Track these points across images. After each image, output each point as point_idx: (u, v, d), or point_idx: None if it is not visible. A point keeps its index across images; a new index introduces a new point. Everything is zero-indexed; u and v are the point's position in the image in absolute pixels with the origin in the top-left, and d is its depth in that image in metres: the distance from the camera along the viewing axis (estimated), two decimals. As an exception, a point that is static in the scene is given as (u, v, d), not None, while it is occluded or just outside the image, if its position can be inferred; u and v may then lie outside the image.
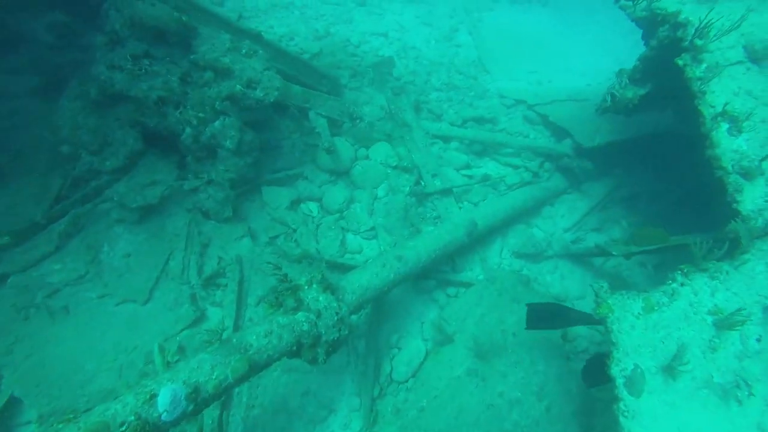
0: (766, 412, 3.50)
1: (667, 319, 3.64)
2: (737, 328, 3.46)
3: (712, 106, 4.37)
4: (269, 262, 3.85)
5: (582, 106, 8.25)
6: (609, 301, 3.67)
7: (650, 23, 5.04)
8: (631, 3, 5.17)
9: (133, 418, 2.72)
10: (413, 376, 5.23)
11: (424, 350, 5.44)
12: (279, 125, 7.01)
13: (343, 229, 6.29)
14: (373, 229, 6.35)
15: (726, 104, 4.27)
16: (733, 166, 4.22)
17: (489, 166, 7.53)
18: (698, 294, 3.76)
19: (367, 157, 7.02)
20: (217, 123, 5.50)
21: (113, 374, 4.39)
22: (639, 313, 3.64)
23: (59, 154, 5.36)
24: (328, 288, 4.05)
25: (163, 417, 2.85)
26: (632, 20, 5.49)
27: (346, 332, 3.95)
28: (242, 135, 5.70)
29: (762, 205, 4.17)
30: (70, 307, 4.74)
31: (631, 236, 5.61)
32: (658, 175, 7.61)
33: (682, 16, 4.59)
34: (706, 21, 4.40)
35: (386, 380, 5.21)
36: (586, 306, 6.32)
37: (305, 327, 3.75)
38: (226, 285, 5.43)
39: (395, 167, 6.93)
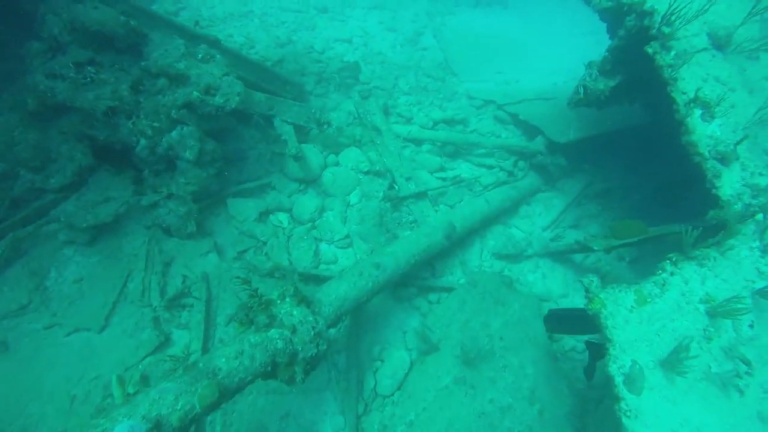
0: (765, 399, 3.38)
1: (661, 311, 3.50)
2: (737, 317, 3.33)
3: (684, 93, 4.33)
4: (238, 277, 3.52)
5: (551, 104, 8.26)
6: (601, 296, 3.50)
7: (616, 14, 5.00)
8: (595, -6, 5.14)
9: (81, 465, 2.34)
10: (399, 388, 4.99)
11: (408, 361, 5.19)
12: (243, 135, 6.68)
13: (316, 239, 5.99)
14: (347, 237, 6.07)
15: (698, 90, 4.24)
16: (709, 151, 4.17)
17: (463, 168, 7.39)
18: (689, 283, 3.65)
19: (337, 164, 6.75)
20: (174, 133, 5.13)
21: (63, 415, 3.91)
22: (632, 307, 3.49)
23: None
24: (303, 301, 3.77)
25: (119, 460, 2.48)
26: (597, 11, 5.46)
27: (325, 347, 3.70)
28: (203, 144, 5.35)
29: (740, 189, 4.13)
30: (9, 342, 4.23)
31: (610, 230, 5.52)
32: (630, 169, 7.66)
33: (648, 5, 4.55)
34: (671, 8, 4.38)
35: (371, 395, 4.95)
36: (568, 303, 6.25)
37: (280, 344, 3.50)
38: (192, 305, 5.05)
39: (367, 172, 6.69)
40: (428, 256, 5.40)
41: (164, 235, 5.46)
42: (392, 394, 4.94)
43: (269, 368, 3.47)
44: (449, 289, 5.82)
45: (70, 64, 4.64)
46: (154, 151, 5.12)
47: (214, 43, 6.19)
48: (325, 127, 6.96)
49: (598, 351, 4.53)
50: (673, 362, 3.11)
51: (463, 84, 9.17)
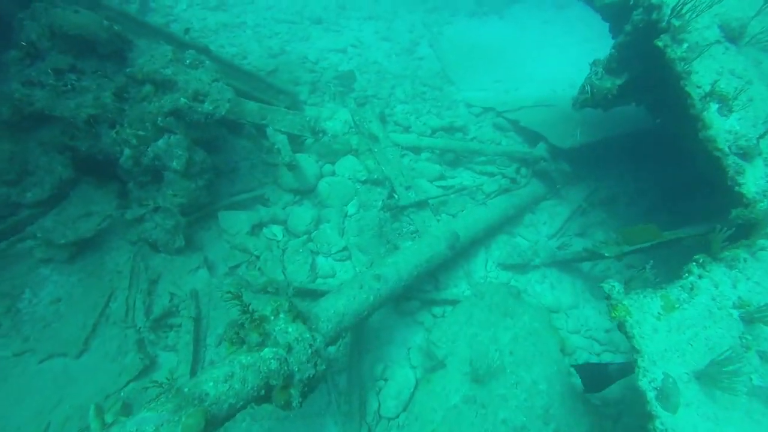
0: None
1: (691, 318, 3.19)
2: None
3: (699, 86, 4.11)
4: (229, 291, 3.20)
5: (552, 111, 8.07)
6: (624, 302, 3.19)
7: (620, 10, 4.81)
8: (599, -8, 4.96)
9: None
10: (404, 410, 4.68)
11: (413, 379, 4.87)
12: (235, 145, 6.41)
13: (312, 252, 5.67)
14: (345, 249, 5.76)
15: (715, 83, 4.01)
16: (729, 147, 3.92)
17: (464, 176, 7.13)
18: (719, 286, 3.35)
19: (333, 173, 6.48)
20: (160, 142, 4.85)
21: (33, 451, 3.54)
22: (659, 314, 3.18)
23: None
24: (299, 317, 3.46)
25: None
26: (599, 9, 5.30)
27: (323, 367, 3.39)
28: (191, 154, 5.06)
29: (765, 186, 3.86)
30: (-29, 373, 3.86)
31: (621, 235, 5.24)
32: (635, 175, 7.44)
33: (655, -2, 4.36)
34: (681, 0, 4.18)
35: (374, 418, 4.62)
36: (579, 314, 5.94)
37: (273, 365, 3.18)
38: (180, 325, 4.70)
39: (365, 182, 6.41)
40: (431, 267, 5.10)
41: (151, 250, 5.14)
42: (397, 416, 4.62)
43: (263, 392, 3.15)
44: (454, 302, 5.52)
45: (49, 71, 4.37)
46: (138, 161, 4.83)
47: (204, 51, 5.97)
48: (320, 135, 6.71)
49: (588, 374, 4.24)
50: (714, 375, 2.78)
51: (461, 93, 8.99)
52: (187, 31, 6.58)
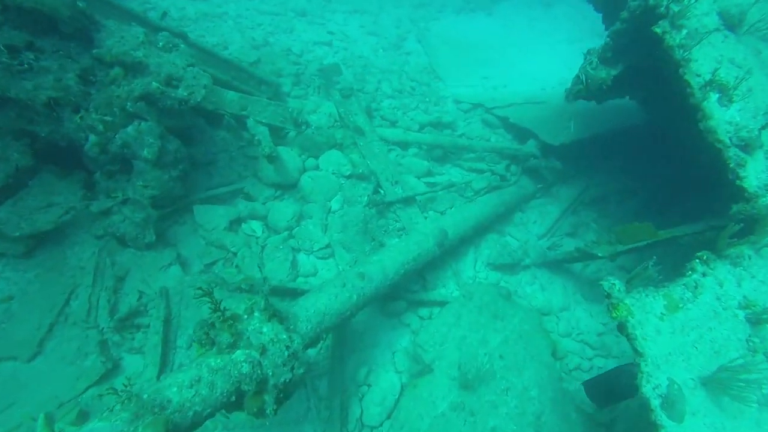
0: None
1: (695, 319, 2.99)
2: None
3: (698, 75, 3.93)
4: (199, 288, 2.90)
5: (542, 108, 7.92)
6: (626, 302, 2.97)
7: (616, -1, 4.65)
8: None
9: None
10: (389, 417, 4.42)
11: (398, 385, 4.60)
12: (213, 137, 6.07)
13: (293, 249, 5.37)
14: (328, 246, 5.47)
15: (715, 72, 3.83)
16: (730, 138, 3.74)
17: (452, 173, 6.91)
18: (723, 285, 3.15)
19: (316, 167, 6.18)
20: (130, 128, 4.50)
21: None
22: (662, 314, 2.97)
23: None
24: (275, 316, 3.17)
25: None
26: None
27: (301, 371, 3.11)
28: (164, 143, 4.72)
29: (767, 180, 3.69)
30: None
31: (616, 234, 5.05)
32: (627, 173, 7.30)
33: (654, -17, 4.18)
34: (680, -14, 4.01)
35: (356, 426, 4.37)
36: (571, 317, 5.73)
37: (245, 368, 2.90)
38: (148, 325, 4.35)
39: (349, 176, 6.13)
40: (419, 266, 4.85)
41: (118, 245, 4.78)
42: (381, 424, 4.36)
43: (233, 398, 2.87)
44: (442, 303, 5.27)
45: (2, 47, 4.00)
46: (105, 149, 4.47)
47: (180, 36, 5.64)
48: (304, 128, 6.41)
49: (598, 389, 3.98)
50: (726, 382, 2.56)
51: (449, 88, 8.78)
52: (164, 15, 6.23)
